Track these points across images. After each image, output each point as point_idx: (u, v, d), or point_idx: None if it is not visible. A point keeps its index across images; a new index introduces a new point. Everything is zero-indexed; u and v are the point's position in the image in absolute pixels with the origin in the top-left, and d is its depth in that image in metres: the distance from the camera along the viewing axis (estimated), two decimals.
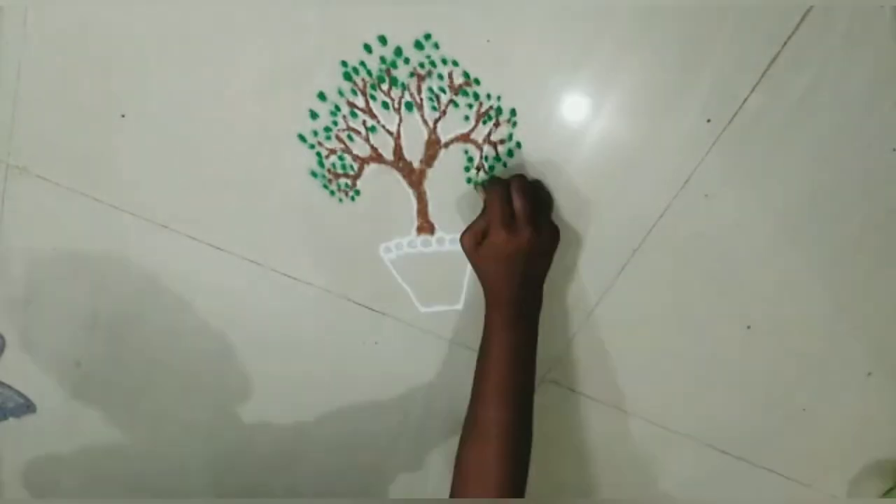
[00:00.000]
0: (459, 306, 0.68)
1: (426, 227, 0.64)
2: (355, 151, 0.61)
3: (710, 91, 0.54)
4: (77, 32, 0.58)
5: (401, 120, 0.59)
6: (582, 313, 0.67)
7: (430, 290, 0.68)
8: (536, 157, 0.59)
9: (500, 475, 0.55)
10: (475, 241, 0.58)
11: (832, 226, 0.59)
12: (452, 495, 0.57)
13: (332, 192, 0.64)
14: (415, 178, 0.62)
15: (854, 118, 0.54)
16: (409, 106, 0.58)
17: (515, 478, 0.56)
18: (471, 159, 0.60)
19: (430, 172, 0.61)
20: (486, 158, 0.60)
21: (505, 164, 0.60)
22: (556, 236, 0.60)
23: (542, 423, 0.75)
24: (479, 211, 0.63)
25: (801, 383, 0.68)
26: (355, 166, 0.62)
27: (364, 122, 0.60)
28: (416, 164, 0.61)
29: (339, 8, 0.54)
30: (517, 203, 0.56)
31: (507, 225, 0.55)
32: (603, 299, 0.66)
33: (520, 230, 0.56)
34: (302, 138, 0.61)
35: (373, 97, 0.58)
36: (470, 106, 0.58)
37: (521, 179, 0.58)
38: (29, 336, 0.76)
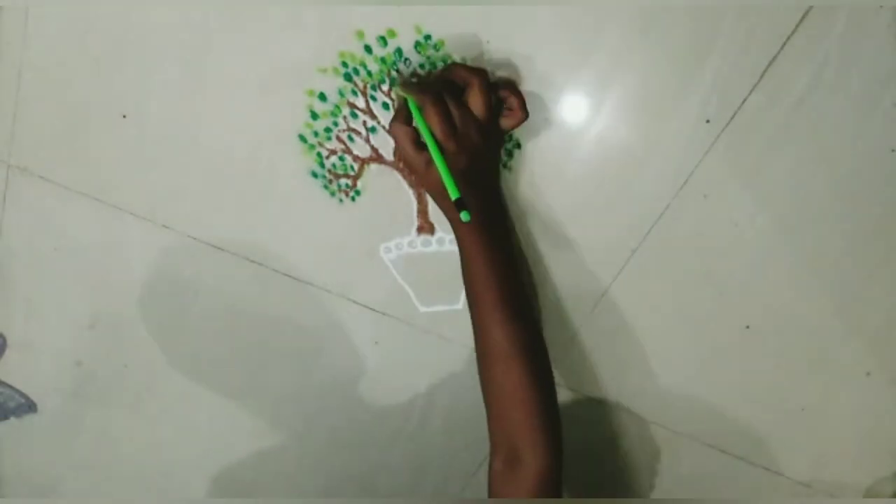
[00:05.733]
0: (459, 306, 0.68)
1: (426, 227, 0.64)
2: (356, 152, 0.61)
3: (710, 91, 0.54)
4: (77, 32, 0.58)
5: None
6: (582, 313, 0.67)
7: (430, 290, 0.68)
8: (536, 157, 0.59)
9: (534, 393, 0.55)
10: (417, 152, 0.52)
11: (831, 226, 0.59)
12: (490, 420, 0.57)
13: (333, 193, 0.64)
14: (415, 179, 0.62)
15: (854, 118, 0.54)
16: None
17: (546, 385, 0.57)
18: None
19: None
20: None
21: (505, 165, 0.60)
22: (495, 115, 0.54)
23: None
24: None
25: (800, 383, 0.68)
26: (356, 167, 0.62)
27: (364, 123, 0.60)
28: None
29: (339, 8, 0.54)
30: (454, 111, 0.51)
31: (453, 138, 0.51)
32: (602, 299, 0.66)
33: (467, 137, 0.51)
34: (302, 139, 0.61)
35: (373, 98, 0.58)
36: None
37: (443, 85, 0.53)
38: (30, 336, 0.76)
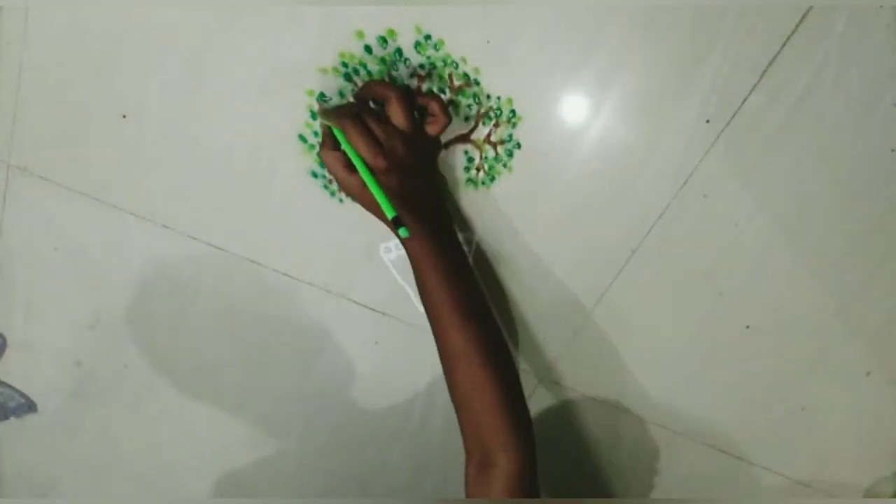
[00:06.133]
0: None
1: None
2: None
3: (710, 91, 0.54)
4: (77, 32, 0.58)
5: None
6: (582, 313, 0.67)
7: None
8: (536, 157, 0.59)
9: (498, 393, 0.55)
10: (350, 176, 0.53)
11: (831, 225, 0.59)
12: (461, 425, 0.57)
13: (333, 193, 0.64)
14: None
15: (853, 118, 0.54)
16: None
17: (510, 384, 0.56)
18: (471, 159, 0.61)
19: None
20: (486, 159, 0.60)
21: (505, 165, 0.60)
22: (421, 123, 0.55)
23: (542, 424, 0.75)
24: (480, 213, 0.63)
25: (800, 383, 0.68)
26: None
27: None
28: None
29: (339, 8, 0.54)
30: (375, 129, 0.51)
31: (381, 155, 0.50)
32: (602, 299, 0.66)
33: (394, 152, 0.51)
34: (302, 139, 0.61)
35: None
36: (470, 107, 0.58)
37: (361, 106, 0.54)
38: (30, 336, 0.76)
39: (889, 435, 0.70)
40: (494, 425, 0.55)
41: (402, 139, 0.52)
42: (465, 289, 0.56)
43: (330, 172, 0.54)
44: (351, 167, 0.52)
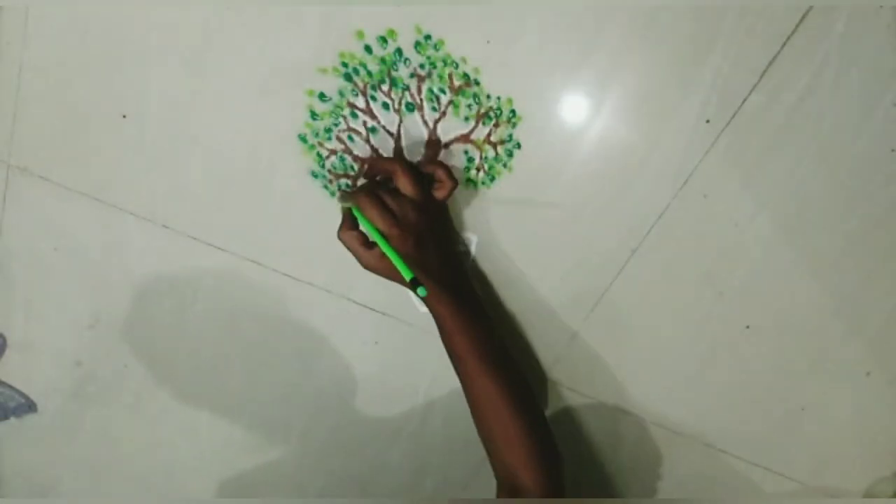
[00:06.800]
0: None
1: None
2: (356, 152, 0.61)
3: (710, 91, 0.54)
4: (77, 32, 0.58)
5: (401, 121, 0.59)
6: (582, 313, 0.67)
7: None
8: (536, 157, 0.59)
9: (519, 425, 0.59)
10: (368, 251, 0.57)
11: (831, 225, 0.59)
12: (489, 457, 0.61)
13: (333, 193, 0.64)
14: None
15: (853, 118, 0.54)
16: (409, 107, 0.58)
17: (533, 420, 0.61)
18: (471, 160, 0.61)
19: None
20: (486, 159, 0.60)
21: (505, 165, 0.60)
22: (430, 190, 0.58)
23: None
24: (480, 213, 0.63)
25: (800, 383, 0.68)
26: (356, 167, 0.62)
27: (364, 123, 0.60)
28: None
29: (339, 9, 0.54)
30: (388, 200, 0.55)
31: (395, 224, 0.54)
32: (602, 299, 0.66)
33: (406, 219, 0.54)
34: (302, 139, 0.61)
35: (373, 98, 0.58)
36: (470, 107, 0.58)
37: (372, 183, 0.59)
38: (30, 336, 0.76)
39: (889, 435, 0.70)
40: (521, 458, 0.59)
41: (412, 206, 0.55)
42: (488, 340, 0.60)
43: (350, 251, 0.58)
44: (368, 244, 0.57)
